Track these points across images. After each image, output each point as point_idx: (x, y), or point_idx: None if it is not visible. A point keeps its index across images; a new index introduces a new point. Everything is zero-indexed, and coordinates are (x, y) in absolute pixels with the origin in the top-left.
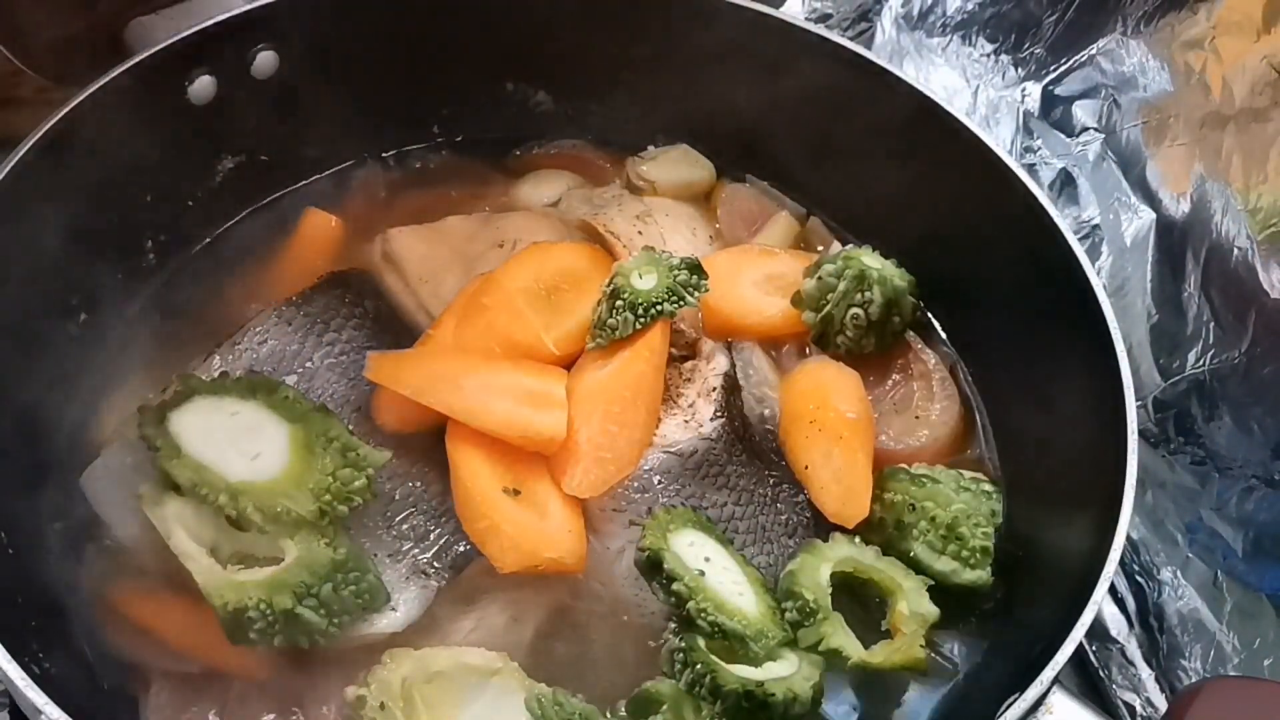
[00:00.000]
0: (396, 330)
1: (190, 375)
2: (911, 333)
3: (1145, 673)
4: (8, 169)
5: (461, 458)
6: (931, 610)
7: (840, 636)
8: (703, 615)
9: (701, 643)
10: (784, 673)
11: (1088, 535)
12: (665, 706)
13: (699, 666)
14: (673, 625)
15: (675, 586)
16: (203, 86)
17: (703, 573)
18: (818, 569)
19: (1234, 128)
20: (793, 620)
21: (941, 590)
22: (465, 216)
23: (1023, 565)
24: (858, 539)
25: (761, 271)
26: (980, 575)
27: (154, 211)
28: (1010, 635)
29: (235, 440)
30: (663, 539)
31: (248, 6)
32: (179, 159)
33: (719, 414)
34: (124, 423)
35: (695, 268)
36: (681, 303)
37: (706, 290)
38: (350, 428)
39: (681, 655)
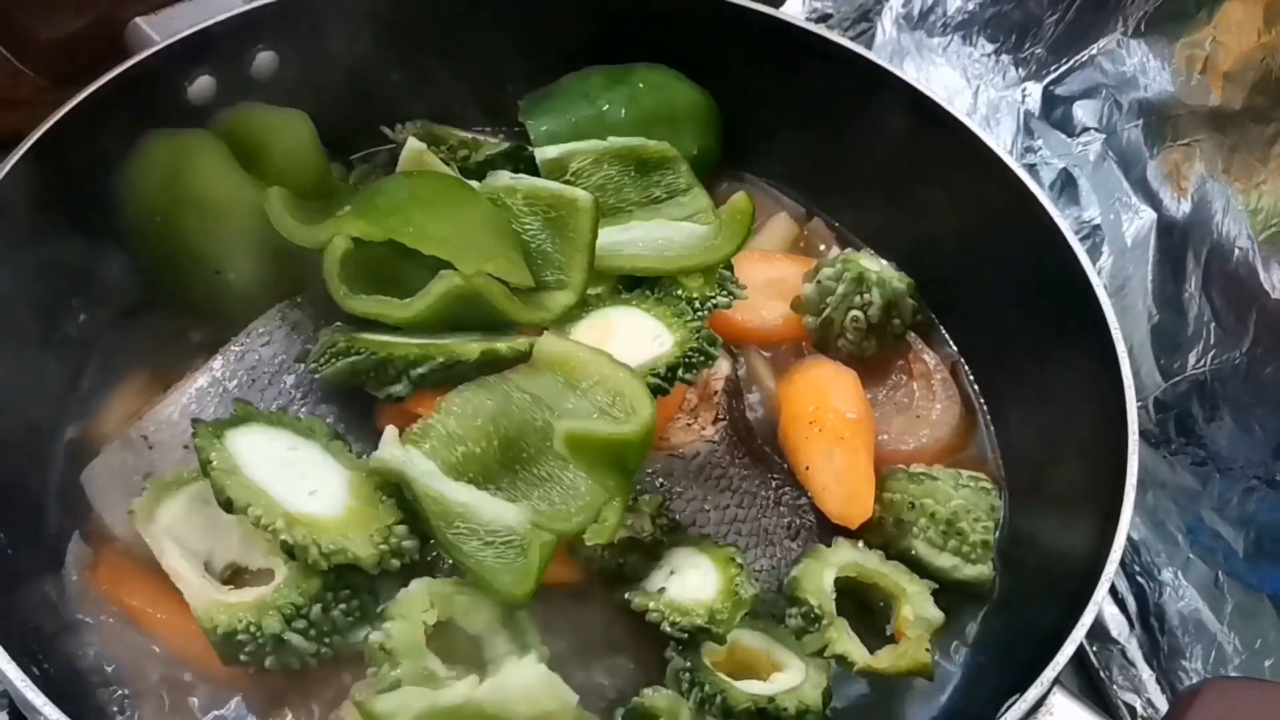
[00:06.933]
0: None
1: (247, 402)
2: (912, 333)
3: (1146, 673)
4: (8, 168)
5: None
6: (936, 615)
7: (845, 642)
8: (674, 627)
9: (707, 660)
10: (792, 683)
11: (1088, 535)
12: (661, 719)
13: (707, 686)
14: (674, 643)
15: (648, 617)
16: (203, 86)
17: (664, 589)
18: (821, 574)
19: (1234, 128)
20: (797, 626)
21: (943, 590)
22: None
23: (1023, 565)
24: (859, 541)
25: (762, 277)
26: (981, 571)
27: None
28: (1010, 635)
29: (292, 473)
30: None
31: (248, 6)
32: None
33: (721, 417)
34: (124, 422)
35: (729, 265)
36: (732, 297)
37: (744, 289)
38: (342, 425)
39: (688, 675)
